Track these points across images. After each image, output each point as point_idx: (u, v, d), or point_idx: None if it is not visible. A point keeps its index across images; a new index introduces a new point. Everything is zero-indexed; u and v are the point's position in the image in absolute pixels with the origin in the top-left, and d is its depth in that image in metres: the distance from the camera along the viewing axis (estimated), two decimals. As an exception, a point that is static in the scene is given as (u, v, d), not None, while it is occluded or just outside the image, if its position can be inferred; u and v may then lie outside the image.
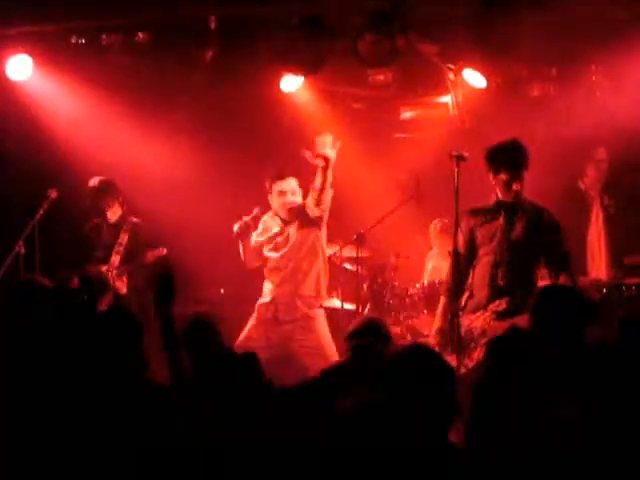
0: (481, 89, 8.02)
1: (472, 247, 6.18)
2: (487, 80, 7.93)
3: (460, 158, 5.92)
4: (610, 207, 7.35)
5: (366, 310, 8.25)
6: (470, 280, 6.11)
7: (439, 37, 7.67)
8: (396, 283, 8.28)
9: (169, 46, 7.56)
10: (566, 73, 7.87)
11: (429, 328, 7.33)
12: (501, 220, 6.13)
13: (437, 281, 7.84)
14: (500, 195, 6.17)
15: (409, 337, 7.78)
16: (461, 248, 6.15)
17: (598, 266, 7.40)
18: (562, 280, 5.98)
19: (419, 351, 3.31)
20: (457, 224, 6.01)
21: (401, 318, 8.11)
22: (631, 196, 7.30)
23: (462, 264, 6.13)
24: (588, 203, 7.51)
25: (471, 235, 6.19)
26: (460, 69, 8.07)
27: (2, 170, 8.22)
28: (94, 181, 7.80)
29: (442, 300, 6.28)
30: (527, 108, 7.95)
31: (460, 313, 5.99)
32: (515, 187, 6.07)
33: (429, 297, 7.87)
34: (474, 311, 6.07)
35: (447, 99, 8.77)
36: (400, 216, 8.15)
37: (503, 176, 6.07)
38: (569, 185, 7.50)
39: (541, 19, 6.97)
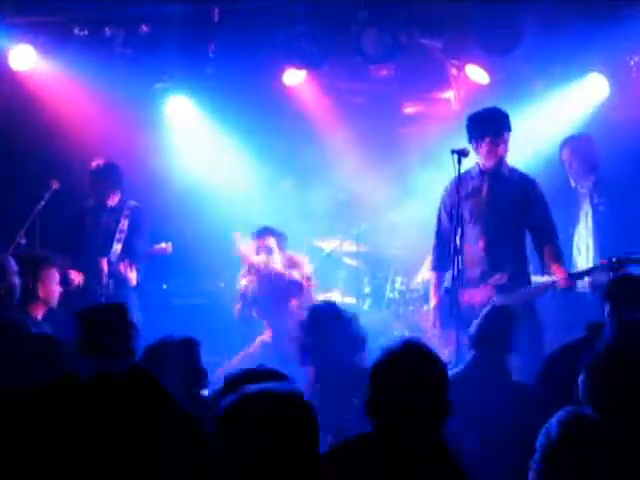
0: (484, 85, 8.02)
1: (456, 221, 6.20)
2: (489, 76, 7.93)
3: (461, 154, 5.93)
4: (600, 205, 7.35)
5: (366, 305, 8.25)
6: (461, 255, 6.13)
7: (442, 33, 7.67)
8: (397, 278, 8.28)
9: (172, 38, 7.54)
10: (569, 70, 7.86)
11: (429, 323, 7.36)
12: (484, 192, 6.19)
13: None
14: (483, 162, 6.23)
15: (408, 332, 7.77)
16: (444, 222, 6.31)
17: (585, 263, 7.41)
18: (547, 251, 6.11)
19: (411, 348, 3.25)
20: (457, 220, 6.02)
21: (401, 313, 8.11)
22: (621, 194, 7.29)
23: (445, 239, 6.22)
24: (578, 200, 7.50)
25: (455, 210, 6.13)
26: (463, 65, 8.07)
27: (5, 160, 8.21)
28: (98, 163, 7.66)
29: (432, 276, 6.43)
30: (530, 104, 7.93)
31: (468, 289, 6.11)
32: (500, 151, 6.15)
33: (429, 293, 7.85)
34: (472, 285, 6.16)
35: (450, 95, 8.77)
36: (402, 211, 8.18)
37: (487, 139, 6.13)
38: (565, 181, 7.51)
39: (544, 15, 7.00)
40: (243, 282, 7.54)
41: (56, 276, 6.33)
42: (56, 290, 6.26)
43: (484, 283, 6.20)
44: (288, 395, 2.61)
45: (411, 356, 3.17)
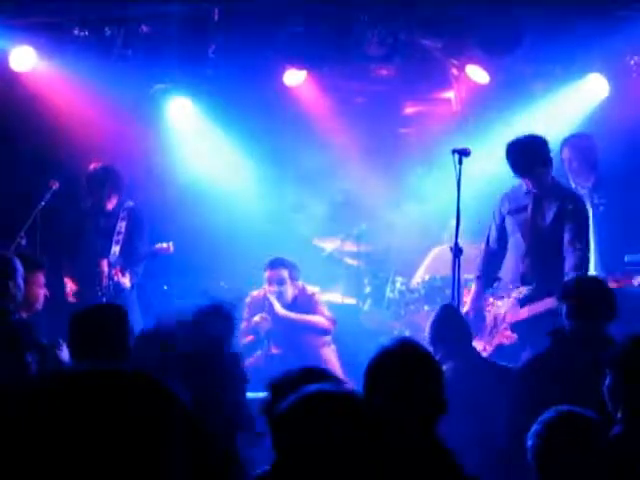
0: (484, 85, 8.02)
1: (503, 233, 6.38)
2: (490, 77, 7.93)
3: (462, 154, 5.94)
4: (600, 205, 7.36)
5: (366, 305, 8.25)
6: (503, 266, 6.27)
7: (442, 33, 7.67)
8: (397, 278, 8.28)
9: (172, 39, 7.54)
10: (569, 71, 7.86)
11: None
12: (530, 209, 6.25)
13: (438, 276, 7.84)
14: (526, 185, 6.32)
15: (409, 333, 7.77)
16: (493, 233, 6.47)
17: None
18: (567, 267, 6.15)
19: (406, 347, 3.25)
20: (458, 220, 6.05)
21: (402, 313, 8.11)
22: (622, 194, 7.29)
23: (493, 250, 6.44)
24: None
25: (502, 221, 6.41)
26: (463, 65, 8.07)
27: (5, 160, 8.21)
28: (94, 166, 7.64)
29: (474, 285, 6.54)
30: (530, 105, 7.94)
31: (491, 299, 6.31)
32: (534, 183, 6.18)
33: (430, 293, 7.86)
34: (501, 297, 6.33)
35: (450, 95, 8.76)
36: (403, 211, 8.18)
37: (524, 177, 6.25)
38: (565, 181, 7.51)
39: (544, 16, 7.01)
40: (257, 318, 7.46)
41: (41, 280, 6.31)
42: (41, 294, 6.24)
43: (509, 295, 6.31)
44: (346, 395, 2.68)
45: (406, 355, 3.19)
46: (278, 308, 7.38)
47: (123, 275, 7.45)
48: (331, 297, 8.38)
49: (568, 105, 7.93)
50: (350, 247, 8.37)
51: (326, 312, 7.51)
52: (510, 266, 6.37)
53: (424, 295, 7.96)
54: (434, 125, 8.79)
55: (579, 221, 6.26)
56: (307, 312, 7.46)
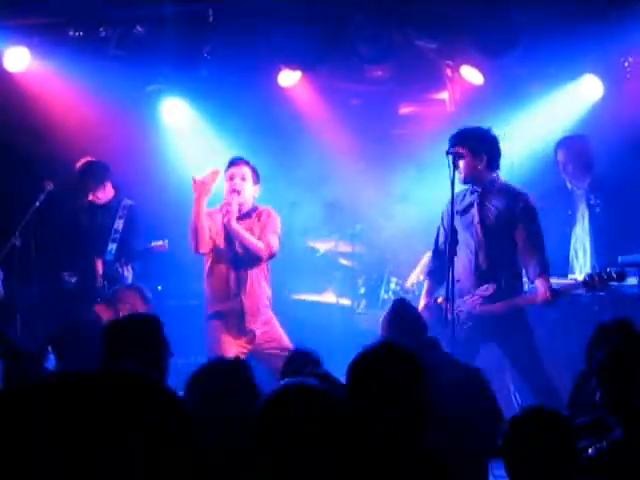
0: (479, 86, 8.03)
1: (453, 234, 6.28)
2: (484, 77, 7.94)
3: (456, 155, 5.95)
4: (596, 206, 7.37)
5: (361, 306, 8.25)
6: (453, 267, 6.23)
7: (437, 34, 7.68)
8: (392, 278, 8.28)
9: (166, 40, 7.54)
10: (563, 72, 7.87)
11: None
12: (475, 206, 6.24)
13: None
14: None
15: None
16: (442, 236, 6.46)
17: (582, 265, 7.43)
18: (532, 265, 6.19)
19: (389, 349, 3.23)
20: (452, 221, 6.06)
21: (396, 314, 8.10)
22: (617, 195, 7.31)
23: (442, 250, 6.41)
24: (574, 201, 7.51)
25: (451, 222, 6.28)
26: (458, 66, 8.08)
27: (-1, 161, 8.21)
28: (81, 163, 7.68)
29: (425, 282, 6.67)
30: (524, 106, 7.95)
31: (440, 299, 6.28)
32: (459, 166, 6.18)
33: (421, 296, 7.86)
34: (461, 295, 6.27)
35: (444, 95, 8.77)
36: (397, 212, 8.17)
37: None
38: (561, 182, 7.52)
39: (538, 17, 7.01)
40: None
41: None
42: None
43: (472, 294, 6.29)
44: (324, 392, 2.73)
45: (388, 356, 3.18)
46: (232, 219, 6.79)
47: (127, 270, 7.47)
48: (325, 298, 8.39)
49: (562, 106, 7.94)
50: (344, 248, 8.37)
51: (272, 238, 6.88)
52: (466, 267, 6.36)
53: (418, 296, 7.94)
54: (428, 126, 8.80)
55: (530, 220, 6.25)
56: (255, 227, 6.92)
